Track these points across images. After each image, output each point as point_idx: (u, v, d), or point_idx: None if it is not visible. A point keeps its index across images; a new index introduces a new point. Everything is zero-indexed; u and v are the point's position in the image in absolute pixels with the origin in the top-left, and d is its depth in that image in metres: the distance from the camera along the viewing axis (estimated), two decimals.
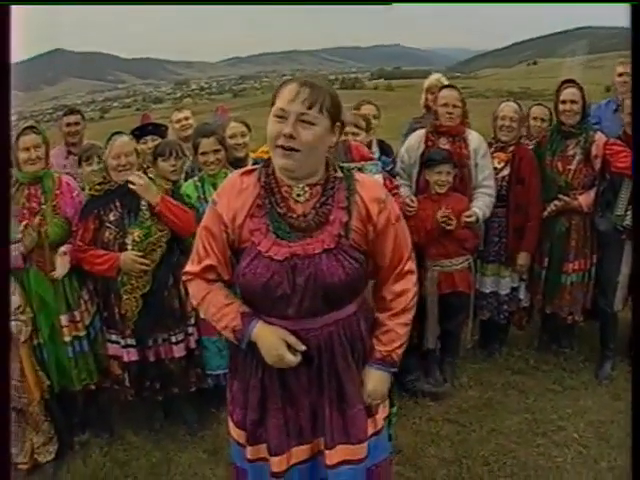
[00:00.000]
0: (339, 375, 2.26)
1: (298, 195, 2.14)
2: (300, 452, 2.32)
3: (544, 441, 3.93)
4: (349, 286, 2.18)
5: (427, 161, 4.33)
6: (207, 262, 2.23)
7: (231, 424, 2.44)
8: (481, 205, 4.35)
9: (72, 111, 5.41)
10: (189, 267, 2.31)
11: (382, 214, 2.19)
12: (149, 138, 4.92)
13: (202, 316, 2.41)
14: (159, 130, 5.24)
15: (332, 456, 2.28)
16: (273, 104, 2.08)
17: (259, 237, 2.13)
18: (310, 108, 2.02)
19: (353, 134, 4.14)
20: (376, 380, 2.33)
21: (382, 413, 2.46)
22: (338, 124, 2.13)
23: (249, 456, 2.36)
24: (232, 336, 2.23)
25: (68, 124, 5.25)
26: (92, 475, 3.87)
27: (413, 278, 2.35)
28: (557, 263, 4.64)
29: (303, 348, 2.17)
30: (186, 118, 5.54)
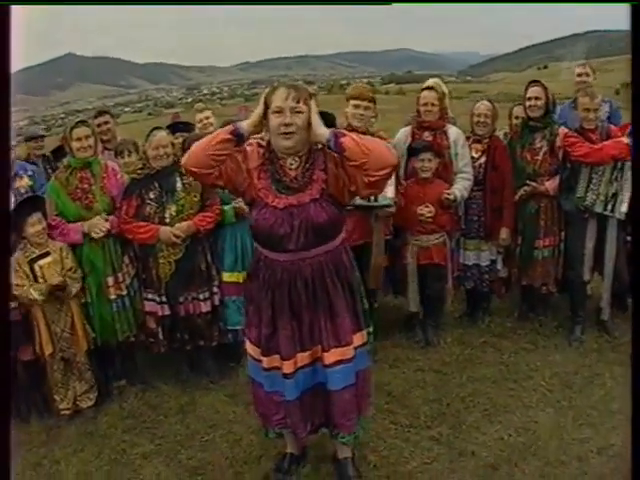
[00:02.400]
0: (329, 293, 3.10)
1: (291, 164, 3.04)
2: (303, 357, 3.15)
3: (514, 386, 4.52)
4: (331, 225, 3.04)
5: (411, 150, 5.07)
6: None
7: (248, 344, 3.31)
8: (460, 187, 5.04)
9: (101, 112, 6.06)
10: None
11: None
12: (179, 134, 5.64)
13: (194, 152, 2.98)
14: (187, 127, 6.11)
15: (328, 357, 3.12)
16: (269, 106, 2.93)
17: (265, 193, 3.01)
18: (298, 102, 2.90)
19: (366, 108, 4.77)
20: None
21: (365, 332, 3.30)
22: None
23: (265, 365, 3.20)
24: (231, 128, 2.92)
25: (99, 124, 5.79)
26: (128, 416, 4.49)
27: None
28: (529, 240, 5.25)
29: None
30: (207, 117, 6.14)
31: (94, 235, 4.46)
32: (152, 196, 4.50)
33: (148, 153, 4.54)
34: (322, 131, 2.89)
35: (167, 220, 4.49)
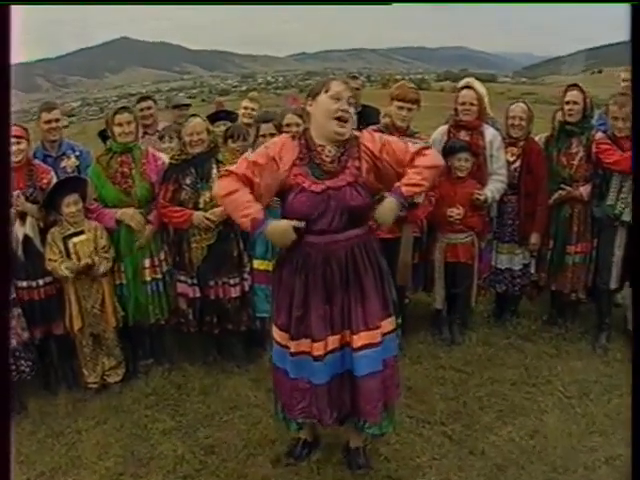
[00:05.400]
0: (360, 275, 3.20)
1: (329, 151, 3.16)
2: (334, 340, 3.24)
3: (532, 389, 4.52)
4: (364, 209, 3.16)
5: (449, 149, 5.08)
6: (249, 174, 3.11)
7: (275, 330, 3.38)
8: (492, 188, 5.05)
9: (144, 98, 6.19)
10: (232, 169, 3.16)
11: (383, 149, 3.19)
12: (222, 123, 5.81)
13: (222, 205, 3.40)
14: (230, 116, 6.19)
15: (357, 340, 3.21)
16: (321, 92, 3.13)
17: (302, 179, 3.11)
18: (351, 95, 3.14)
19: (409, 110, 4.88)
20: (385, 205, 3.14)
21: (393, 319, 3.39)
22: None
23: (292, 350, 3.26)
24: (249, 224, 3.08)
25: (141, 109, 5.93)
26: (152, 393, 4.61)
27: (427, 151, 3.24)
28: (561, 245, 5.22)
29: (302, 224, 3.07)
30: (252, 109, 6.21)
31: (133, 225, 4.62)
32: (188, 181, 4.60)
33: (184, 139, 4.64)
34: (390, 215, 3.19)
35: (201, 206, 4.59)
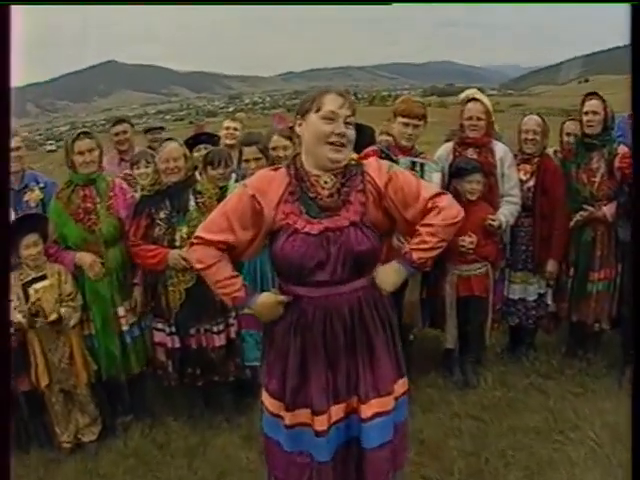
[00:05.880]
0: (369, 334, 2.65)
1: (325, 182, 2.58)
2: (338, 411, 2.65)
3: (561, 438, 4.06)
4: (373, 254, 2.61)
5: (458, 170, 4.58)
6: (227, 237, 2.59)
7: (266, 396, 2.76)
8: (506, 212, 4.60)
9: (119, 121, 5.77)
10: (204, 233, 2.63)
11: (389, 184, 2.61)
12: (202, 146, 5.29)
13: (204, 277, 2.75)
14: (212, 139, 5.62)
15: (366, 410, 2.63)
16: (311, 110, 2.55)
17: (294, 218, 2.54)
18: (352, 113, 2.54)
19: (415, 127, 4.40)
20: (389, 269, 2.67)
21: (406, 380, 2.84)
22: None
23: (288, 422, 2.67)
24: (231, 303, 2.70)
25: (116, 133, 5.60)
26: (132, 455, 4.15)
27: (442, 202, 2.63)
28: (583, 272, 4.78)
29: (290, 298, 2.62)
30: (235, 129, 5.85)
31: (90, 275, 4.17)
32: (162, 215, 4.13)
33: (159, 166, 4.16)
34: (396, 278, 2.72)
35: (177, 243, 4.09)
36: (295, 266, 2.55)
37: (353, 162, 2.66)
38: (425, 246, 2.60)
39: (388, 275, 2.66)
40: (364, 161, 2.74)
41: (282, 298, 2.62)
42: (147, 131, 6.31)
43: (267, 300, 2.65)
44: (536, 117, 4.89)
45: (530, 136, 4.79)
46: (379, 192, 2.60)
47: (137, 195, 4.33)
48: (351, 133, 2.55)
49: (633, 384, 2.48)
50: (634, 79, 2.65)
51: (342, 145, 2.52)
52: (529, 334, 5.24)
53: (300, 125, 2.61)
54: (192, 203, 4.13)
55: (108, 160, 5.68)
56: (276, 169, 2.68)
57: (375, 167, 2.66)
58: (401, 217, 2.63)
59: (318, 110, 2.51)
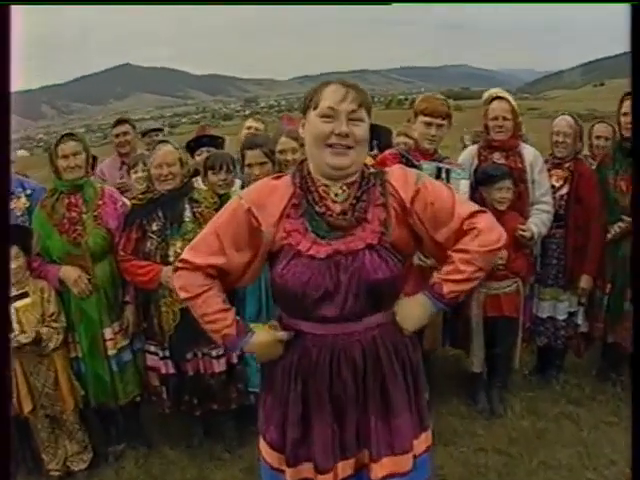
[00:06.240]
0: (385, 382, 2.18)
1: (336, 194, 2.12)
2: (346, 467, 2.21)
3: (595, 476, 3.70)
4: (393, 284, 2.14)
5: (485, 177, 4.16)
6: (217, 261, 2.15)
7: (263, 445, 2.32)
8: (537, 222, 4.21)
9: (121, 121, 5.44)
10: (190, 256, 2.19)
11: (417, 199, 2.14)
12: (205, 150, 4.89)
13: (190, 307, 2.27)
14: (215, 142, 5.21)
15: (378, 470, 2.17)
16: (310, 107, 2.11)
17: (297, 237, 2.10)
18: (359, 107, 2.05)
19: (439, 126, 4.01)
20: (413, 303, 2.21)
21: (429, 434, 2.38)
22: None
23: (289, 478, 2.23)
24: (220, 341, 2.23)
25: (117, 135, 5.30)
26: None
27: (481, 223, 2.15)
28: (620, 289, 4.38)
29: (291, 335, 2.19)
30: (257, 129, 5.47)
31: (75, 292, 3.79)
32: (155, 228, 3.73)
33: (151, 172, 3.78)
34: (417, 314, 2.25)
35: (171, 259, 3.67)
36: (297, 297, 2.09)
37: (373, 169, 2.21)
38: (459, 277, 2.13)
39: (411, 311, 2.20)
40: (387, 169, 2.26)
41: (282, 335, 2.18)
42: (145, 134, 5.89)
43: (264, 339, 2.21)
44: (568, 117, 4.52)
45: (561, 138, 4.43)
46: (404, 207, 2.13)
47: (128, 203, 3.98)
48: (359, 132, 2.06)
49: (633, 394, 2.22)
50: (634, 80, 2.48)
51: (346, 147, 2.05)
52: (558, 355, 4.86)
53: (303, 126, 2.17)
54: (188, 214, 3.76)
55: (109, 163, 5.46)
56: (279, 177, 2.24)
57: (400, 176, 2.18)
58: (429, 238, 2.16)
59: (316, 107, 2.08)
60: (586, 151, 5.02)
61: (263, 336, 2.20)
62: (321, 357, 2.13)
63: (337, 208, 2.10)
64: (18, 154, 4.47)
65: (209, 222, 2.26)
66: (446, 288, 2.13)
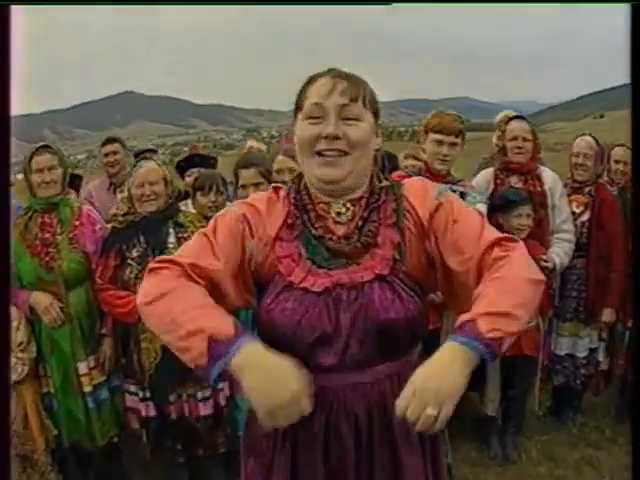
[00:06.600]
0: (396, 445, 1.69)
1: (338, 214, 1.70)
2: None
3: None
4: (409, 324, 1.65)
5: (503, 202, 3.85)
6: (204, 262, 1.62)
7: None
8: (559, 251, 3.95)
9: (110, 140, 5.15)
10: (168, 257, 1.67)
11: (436, 215, 1.69)
12: (196, 170, 4.62)
13: (148, 318, 1.60)
14: (207, 162, 4.94)
15: None
16: (297, 111, 1.70)
17: (290, 265, 1.66)
18: (353, 100, 1.63)
19: (451, 145, 3.71)
20: (447, 356, 1.46)
21: None
22: (379, 122, 1.75)
23: None
24: (203, 348, 1.45)
25: (106, 154, 4.99)
26: None
27: (516, 251, 1.62)
28: None
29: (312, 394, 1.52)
30: (258, 149, 5.23)
31: (45, 320, 3.47)
32: (135, 254, 3.39)
33: (132, 192, 3.46)
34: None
35: None
36: (286, 339, 1.63)
37: (386, 182, 1.77)
38: (497, 309, 1.47)
39: (443, 369, 1.44)
40: (404, 180, 1.82)
41: (308, 388, 1.54)
42: (137, 155, 5.52)
43: (287, 386, 1.47)
44: (588, 138, 4.29)
45: (580, 160, 4.21)
46: (421, 227, 1.70)
47: (108, 225, 3.67)
48: (356, 133, 1.62)
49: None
50: (634, 81, 2.38)
51: (339, 154, 1.62)
52: (576, 396, 4.56)
53: (295, 135, 1.75)
54: (172, 239, 3.42)
55: (97, 184, 5.18)
56: (277, 190, 1.80)
57: (419, 189, 1.75)
58: (442, 266, 1.69)
59: (301, 107, 1.69)
60: (604, 177, 4.72)
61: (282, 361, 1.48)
62: (315, 416, 1.60)
63: (339, 230, 1.69)
64: (18, 178, 4.23)
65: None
66: (483, 324, 1.45)
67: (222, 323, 1.49)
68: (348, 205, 1.70)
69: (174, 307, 1.51)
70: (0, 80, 2.03)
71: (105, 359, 3.58)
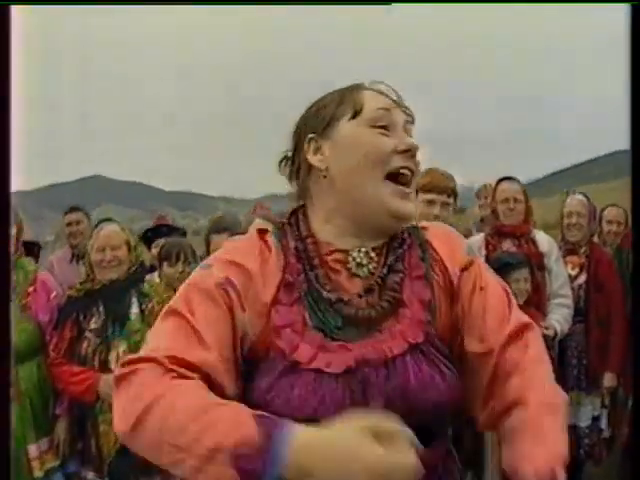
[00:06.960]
0: None
1: (359, 265, 1.29)
2: None
3: None
4: (450, 404, 1.26)
5: (500, 266, 3.56)
6: (193, 356, 1.13)
7: None
8: (559, 318, 3.77)
9: (73, 209, 4.96)
10: (136, 355, 1.17)
11: (465, 276, 1.34)
12: (163, 240, 4.35)
13: (137, 449, 1.09)
14: (175, 233, 4.76)
15: None
16: (337, 118, 1.31)
17: (292, 339, 1.21)
18: (412, 122, 1.34)
19: (443, 204, 3.36)
20: None
21: None
22: None
23: None
24: (231, 467, 0.96)
25: (69, 223, 4.79)
26: None
27: (533, 337, 1.33)
28: None
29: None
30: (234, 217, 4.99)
31: None
32: (93, 326, 3.10)
33: (92, 257, 3.19)
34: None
35: (112, 365, 3.05)
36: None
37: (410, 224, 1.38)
38: (554, 447, 1.18)
39: None
40: (424, 223, 1.43)
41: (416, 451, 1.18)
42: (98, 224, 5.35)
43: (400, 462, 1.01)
44: (580, 197, 4.29)
45: (574, 220, 4.15)
46: (450, 284, 1.33)
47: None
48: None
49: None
50: (633, 82, 2.30)
51: (412, 174, 1.29)
52: (578, 467, 4.31)
53: (319, 150, 1.31)
54: (134, 309, 3.15)
55: (60, 255, 5.05)
56: (264, 235, 1.32)
57: (444, 237, 1.39)
58: (457, 345, 1.34)
59: (359, 112, 1.29)
60: (596, 238, 4.71)
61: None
62: None
63: (355, 287, 1.28)
64: None
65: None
66: (529, 467, 1.12)
67: (246, 424, 1.00)
68: (372, 255, 1.30)
69: (177, 414, 1.04)
70: None
71: (59, 442, 3.24)
